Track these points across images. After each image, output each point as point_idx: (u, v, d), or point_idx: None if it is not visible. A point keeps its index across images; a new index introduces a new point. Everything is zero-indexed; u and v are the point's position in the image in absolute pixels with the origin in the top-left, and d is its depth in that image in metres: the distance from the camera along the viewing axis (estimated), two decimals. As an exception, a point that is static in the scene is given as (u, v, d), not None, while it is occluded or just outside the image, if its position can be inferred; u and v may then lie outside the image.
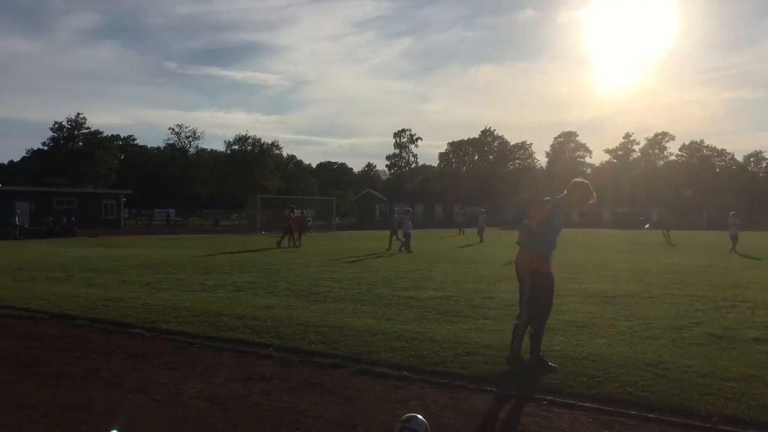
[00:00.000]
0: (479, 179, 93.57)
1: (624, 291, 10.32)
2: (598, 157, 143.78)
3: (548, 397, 4.57)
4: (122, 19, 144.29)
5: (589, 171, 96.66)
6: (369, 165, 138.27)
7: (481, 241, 27.72)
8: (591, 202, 5.43)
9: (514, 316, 5.65)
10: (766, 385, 4.79)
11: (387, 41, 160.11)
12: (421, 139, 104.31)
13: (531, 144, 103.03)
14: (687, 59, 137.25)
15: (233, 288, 10.71)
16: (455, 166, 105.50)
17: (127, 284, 11.10)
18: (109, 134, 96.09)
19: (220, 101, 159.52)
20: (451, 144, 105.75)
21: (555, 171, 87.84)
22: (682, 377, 5.02)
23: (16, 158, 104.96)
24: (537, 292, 5.30)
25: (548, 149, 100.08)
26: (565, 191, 5.50)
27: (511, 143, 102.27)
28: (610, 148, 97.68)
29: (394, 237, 22.66)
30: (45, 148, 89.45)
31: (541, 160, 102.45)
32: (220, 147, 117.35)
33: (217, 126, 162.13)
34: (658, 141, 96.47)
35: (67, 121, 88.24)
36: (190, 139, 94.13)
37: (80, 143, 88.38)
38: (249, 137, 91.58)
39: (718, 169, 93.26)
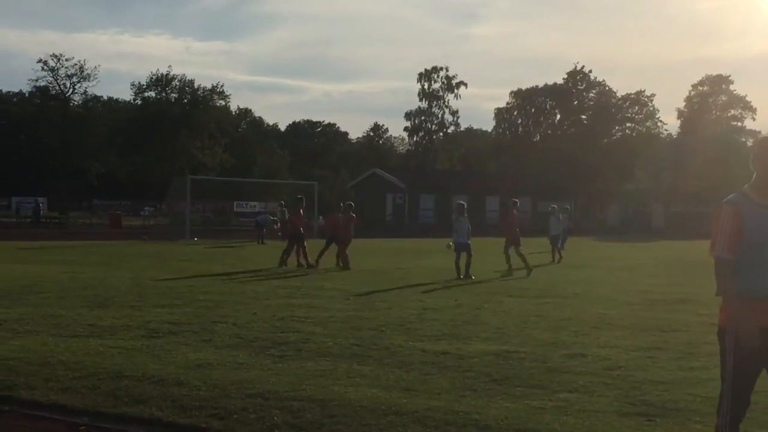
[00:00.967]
0: (564, 154, 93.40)
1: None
2: (767, 119, 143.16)
3: None
4: None
5: (750, 142, 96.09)
6: (376, 128, 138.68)
7: (559, 258, 27.65)
8: None
9: (617, 386, 5.61)
10: None
11: None
12: (466, 85, 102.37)
13: (653, 96, 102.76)
14: None
15: (144, 332, 10.74)
16: (523, 130, 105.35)
17: (-35, 323, 11.17)
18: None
19: (126, 16, 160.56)
20: (517, 94, 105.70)
21: (693, 141, 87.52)
22: None
23: None
24: (741, 369, 5.14)
25: (682, 105, 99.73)
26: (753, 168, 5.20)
27: (619, 94, 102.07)
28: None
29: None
30: None
31: (670, 122, 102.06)
32: (125, 95, 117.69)
33: (120, 58, 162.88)
34: None
35: None
36: (74, 79, 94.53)
37: None
38: (174, 78, 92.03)
39: None
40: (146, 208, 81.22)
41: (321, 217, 55.63)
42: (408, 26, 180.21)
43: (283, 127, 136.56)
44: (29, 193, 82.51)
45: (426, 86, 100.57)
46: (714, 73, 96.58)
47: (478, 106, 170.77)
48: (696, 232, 59.56)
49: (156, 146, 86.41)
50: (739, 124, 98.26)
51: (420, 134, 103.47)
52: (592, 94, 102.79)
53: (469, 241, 20.84)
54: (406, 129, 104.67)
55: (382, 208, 73.36)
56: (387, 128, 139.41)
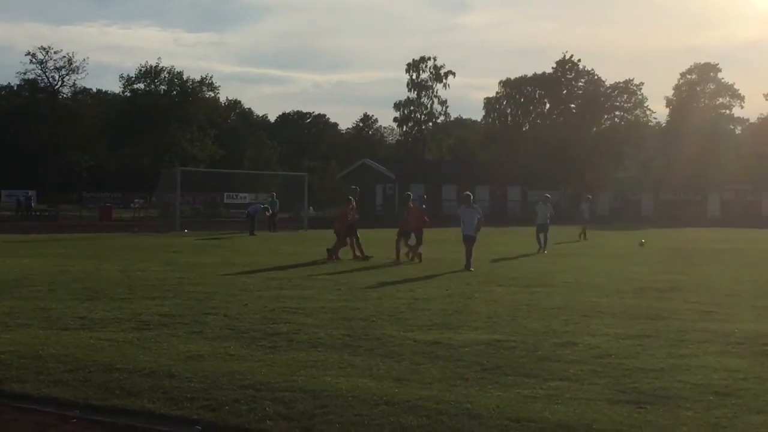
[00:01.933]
0: (553, 143, 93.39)
1: (797, 334, 10.34)
2: (754, 107, 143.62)
3: None
4: None
5: (738, 130, 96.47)
6: (366, 118, 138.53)
7: (541, 249, 27.46)
8: None
9: (608, 374, 5.64)
10: None
11: None
12: (454, 74, 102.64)
13: (641, 85, 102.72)
14: None
15: (135, 325, 10.74)
16: (512, 120, 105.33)
17: (-45, 317, 11.16)
18: None
19: (115, 8, 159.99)
20: (505, 83, 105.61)
21: (682, 129, 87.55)
22: None
23: None
24: None
25: (670, 93, 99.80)
26: None
27: (608, 83, 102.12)
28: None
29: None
30: None
31: (659, 110, 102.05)
32: (114, 87, 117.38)
33: (109, 50, 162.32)
34: None
35: None
36: (63, 72, 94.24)
37: None
38: (163, 70, 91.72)
39: None
40: (136, 201, 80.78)
41: (311, 208, 55.73)
42: (397, 16, 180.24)
43: (272, 118, 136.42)
44: (17, 186, 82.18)
45: (415, 76, 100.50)
46: (702, 61, 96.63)
47: (467, 96, 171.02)
48: (685, 219, 59.97)
49: (145, 138, 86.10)
50: (728, 112, 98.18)
51: (409, 124, 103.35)
52: (581, 83, 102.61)
53: (476, 234, 20.74)
54: (395, 119, 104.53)
55: (372, 199, 73.32)
56: (376, 118, 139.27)
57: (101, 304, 12.66)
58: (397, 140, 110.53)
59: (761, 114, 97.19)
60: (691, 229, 48.37)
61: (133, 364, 8.18)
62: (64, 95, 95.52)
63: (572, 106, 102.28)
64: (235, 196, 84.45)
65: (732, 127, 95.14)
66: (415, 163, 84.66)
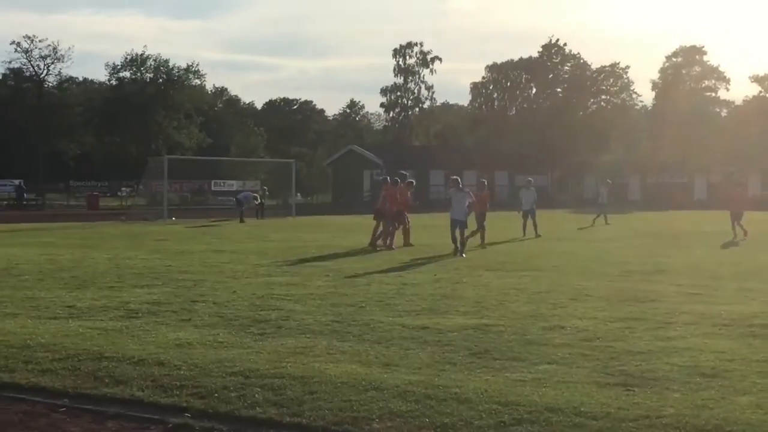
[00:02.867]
0: (540, 127, 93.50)
1: (782, 315, 10.41)
2: (740, 89, 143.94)
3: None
4: None
5: (724, 112, 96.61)
6: (353, 104, 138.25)
7: (524, 234, 27.21)
8: None
9: (596, 357, 5.65)
10: None
11: None
12: (441, 60, 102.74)
13: (627, 68, 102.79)
14: None
15: (123, 313, 10.74)
16: (499, 104, 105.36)
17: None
18: None
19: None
20: (492, 68, 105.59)
21: (668, 113, 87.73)
22: None
23: None
24: None
25: (656, 77, 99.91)
26: None
27: (594, 66, 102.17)
28: (761, 75, 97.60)
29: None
30: None
31: (645, 93, 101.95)
32: (101, 75, 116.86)
33: (94, 38, 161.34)
34: None
35: None
36: (48, 60, 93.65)
37: None
38: (149, 58, 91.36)
39: None
40: (123, 189, 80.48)
41: (299, 195, 55.71)
42: (383, 2, 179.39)
43: (259, 106, 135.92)
44: (6, 176, 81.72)
45: (401, 62, 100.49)
46: (688, 44, 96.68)
47: (453, 81, 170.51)
48: (672, 202, 60.13)
49: (132, 126, 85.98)
50: (713, 94, 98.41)
51: (396, 110, 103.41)
52: (567, 67, 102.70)
53: (465, 219, 20.26)
54: (382, 105, 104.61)
55: (360, 185, 73.34)
56: (363, 105, 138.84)
57: (90, 293, 12.65)
58: (384, 126, 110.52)
59: (746, 96, 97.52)
60: (678, 212, 48.51)
61: (122, 352, 8.17)
62: (50, 84, 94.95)
63: (558, 90, 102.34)
64: (222, 184, 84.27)
65: (718, 110, 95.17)
66: (403, 149, 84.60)
